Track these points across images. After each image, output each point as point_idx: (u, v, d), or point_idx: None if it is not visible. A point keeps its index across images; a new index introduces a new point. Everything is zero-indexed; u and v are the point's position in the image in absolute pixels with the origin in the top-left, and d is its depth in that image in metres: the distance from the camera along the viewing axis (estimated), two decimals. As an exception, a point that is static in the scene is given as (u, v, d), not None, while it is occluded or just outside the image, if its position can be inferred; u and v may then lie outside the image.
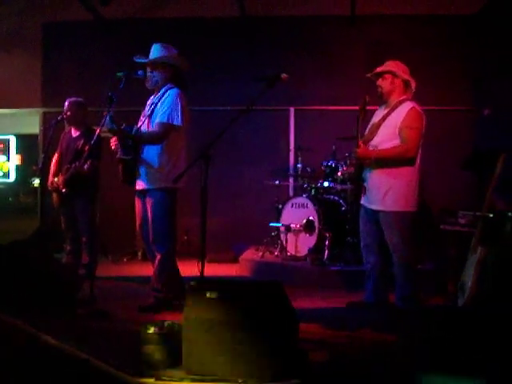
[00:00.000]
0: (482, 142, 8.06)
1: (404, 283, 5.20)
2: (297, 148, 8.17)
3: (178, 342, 3.49)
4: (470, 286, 4.64)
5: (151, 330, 3.63)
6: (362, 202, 5.42)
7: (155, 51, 5.33)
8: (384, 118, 5.22)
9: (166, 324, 3.70)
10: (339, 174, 7.14)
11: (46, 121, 8.72)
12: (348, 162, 6.99)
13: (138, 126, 5.33)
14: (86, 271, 6.42)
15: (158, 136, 5.17)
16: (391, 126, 5.13)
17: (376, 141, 5.20)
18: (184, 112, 5.18)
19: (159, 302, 5.25)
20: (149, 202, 5.23)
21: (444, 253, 6.22)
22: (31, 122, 9.55)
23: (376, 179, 5.20)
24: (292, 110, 8.93)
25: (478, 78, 8.36)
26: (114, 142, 5.20)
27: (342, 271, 6.70)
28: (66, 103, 6.71)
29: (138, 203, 5.42)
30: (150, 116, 5.28)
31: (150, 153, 5.20)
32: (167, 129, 5.15)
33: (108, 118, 4.99)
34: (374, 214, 5.28)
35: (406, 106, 5.14)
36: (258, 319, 3.34)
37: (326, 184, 7.36)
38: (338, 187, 7.22)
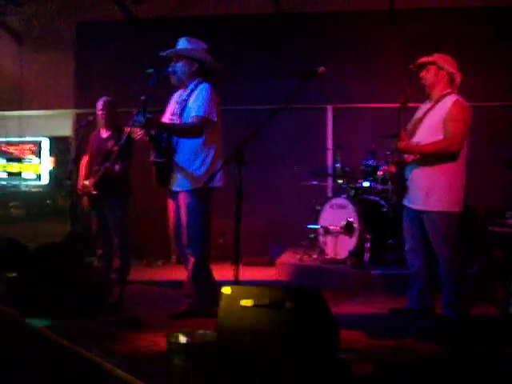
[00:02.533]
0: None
1: (451, 288, 4.87)
2: (335, 147, 7.90)
3: (210, 353, 3.26)
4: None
5: (181, 340, 3.40)
6: (404, 202, 5.12)
7: (180, 44, 5.12)
8: (427, 113, 4.93)
9: (197, 333, 3.47)
10: (380, 173, 6.87)
11: (78, 122, 8.57)
12: (389, 160, 6.69)
13: None
14: (118, 276, 6.27)
15: (195, 128, 4.89)
16: (435, 120, 4.83)
17: (419, 136, 4.89)
18: (218, 108, 4.96)
19: (193, 309, 5.04)
20: (183, 204, 5.01)
21: (491, 255, 5.90)
22: (65, 123, 9.43)
23: (418, 177, 4.90)
24: (330, 108, 8.65)
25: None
26: (139, 134, 4.88)
27: (384, 275, 6.42)
28: (100, 102, 6.54)
29: (170, 205, 5.22)
30: (181, 114, 5.03)
31: (184, 154, 4.97)
32: (204, 122, 4.89)
33: (137, 115, 4.72)
34: (417, 215, 4.98)
35: (451, 99, 4.84)
36: (296, 329, 3.08)
37: (365, 184, 7.09)
38: (379, 187, 6.93)
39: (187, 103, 5.00)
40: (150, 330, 4.60)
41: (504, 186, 7.62)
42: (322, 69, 4.24)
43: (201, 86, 4.98)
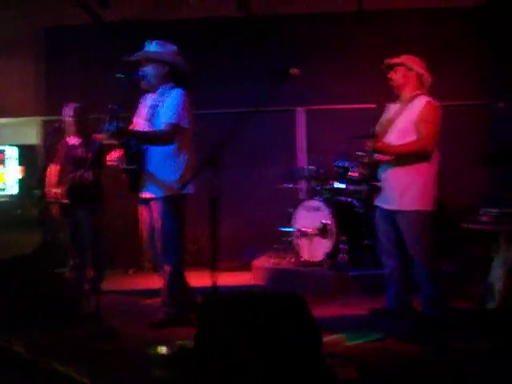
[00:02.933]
0: (497, 136, 7.75)
1: (428, 286, 4.87)
2: (308, 149, 7.86)
3: (190, 363, 3.17)
4: (499, 288, 4.33)
5: (160, 351, 3.31)
6: (376, 202, 5.11)
7: (148, 47, 5.03)
8: (398, 114, 4.92)
9: (176, 344, 3.39)
10: (353, 174, 6.82)
11: (46, 130, 8.41)
12: (360, 161, 6.68)
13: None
14: (91, 286, 6.15)
15: (166, 136, 4.82)
16: (406, 121, 4.84)
17: (391, 137, 4.89)
18: (190, 114, 4.88)
19: (170, 318, 4.95)
20: (156, 211, 4.92)
21: (466, 253, 5.91)
22: (32, 131, 9.23)
23: (392, 178, 4.89)
24: (301, 110, 8.60)
25: (492, 71, 8.04)
26: (111, 158, 4.88)
27: (361, 276, 6.39)
28: (70, 109, 6.41)
29: (143, 212, 5.12)
30: (151, 120, 4.93)
31: (155, 160, 4.89)
32: (175, 129, 4.80)
33: (107, 124, 4.63)
34: (390, 215, 4.97)
35: (422, 100, 4.86)
36: (279, 336, 3.01)
37: (339, 185, 7.05)
38: (352, 188, 6.90)
39: (158, 109, 4.91)
40: (127, 341, 4.50)
41: (475, 184, 7.63)
42: (295, 70, 4.21)
43: (173, 92, 4.90)
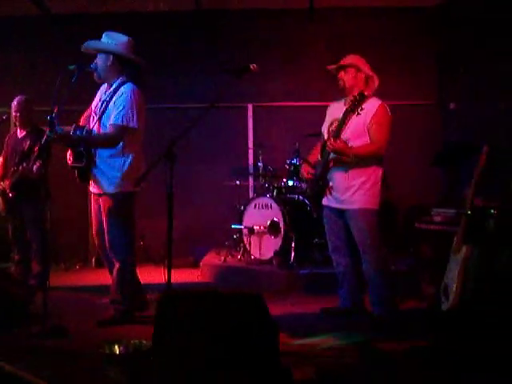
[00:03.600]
0: (447, 136, 7.89)
1: (379, 285, 4.89)
2: (257, 146, 7.84)
3: (145, 364, 3.10)
4: (454, 288, 4.38)
5: (115, 350, 3.23)
6: (325, 202, 5.11)
7: (102, 38, 4.92)
8: (348, 114, 4.88)
9: (132, 343, 3.31)
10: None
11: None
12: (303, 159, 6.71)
13: (91, 126, 4.89)
14: (38, 282, 6.00)
15: (111, 139, 4.76)
16: (359, 122, 4.83)
17: (343, 137, 4.86)
18: (140, 112, 4.78)
19: (120, 315, 4.86)
20: (104, 207, 4.85)
21: (419, 253, 5.97)
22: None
23: (346, 177, 4.89)
24: (250, 106, 8.56)
25: (443, 72, 8.16)
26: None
27: (311, 274, 6.38)
28: (15, 102, 6.29)
29: (93, 205, 5.05)
30: (100, 116, 4.84)
31: (102, 158, 4.81)
32: (122, 131, 4.73)
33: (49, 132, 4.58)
34: (341, 214, 4.99)
35: (374, 102, 4.87)
36: (238, 335, 2.97)
37: (290, 183, 7.04)
38: (303, 186, 6.89)
39: (108, 105, 4.81)
40: (78, 339, 4.40)
41: (427, 183, 7.74)
42: (254, 66, 4.20)
43: (123, 88, 4.80)
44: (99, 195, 4.89)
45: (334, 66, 5.03)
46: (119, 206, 4.82)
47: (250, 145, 8.50)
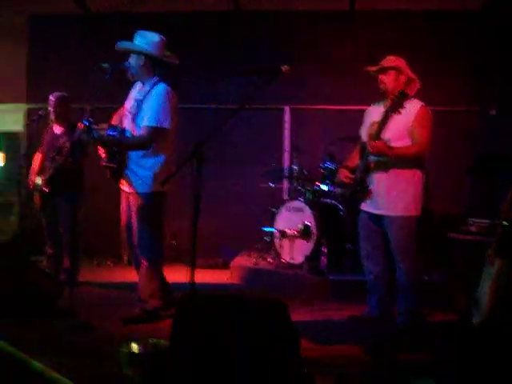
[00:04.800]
0: (488, 143, 7.69)
1: (409, 295, 4.83)
2: (293, 149, 7.79)
3: (163, 363, 3.09)
4: (486, 302, 4.28)
5: (133, 349, 3.22)
6: (363, 207, 5.02)
7: (135, 37, 4.93)
8: (388, 117, 4.80)
9: (150, 342, 3.30)
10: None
11: (30, 117, 8.26)
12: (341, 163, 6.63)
13: (124, 125, 4.93)
14: (67, 277, 6.04)
15: (145, 142, 4.78)
16: (400, 125, 4.71)
17: (384, 138, 4.74)
18: (172, 112, 4.79)
19: (145, 313, 4.88)
20: (134, 206, 4.87)
21: (452, 263, 5.85)
22: (16, 118, 9.08)
23: (387, 181, 4.80)
24: (287, 108, 8.50)
25: (484, 78, 7.99)
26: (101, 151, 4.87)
27: (341, 281, 6.31)
28: (52, 98, 6.37)
29: (123, 203, 5.08)
30: (134, 115, 4.86)
31: (135, 158, 4.84)
32: (155, 133, 4.75)
33: (84, 132, 4.68)
34: (378, 220, 4.90)
35: (415, 104, 4.77)
36: (257, 341, 2.92)
37: (323, 187, 6.97)
38: (338, 191, 6.81)
39: (142, 105, 4.82)
40: (101, 336, 4.42)
41: (463, 192, 7.60)
42: (285, 67, 4.15)
43: (156, 89, 4.81)
44: (130, 193, 4.91)
45: (374, 68, 4.94)
46: (149, 205, 4.84)
47: (286, 147, 8.44)
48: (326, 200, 6.98)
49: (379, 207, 4.86)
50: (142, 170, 4.80)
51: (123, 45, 4.92)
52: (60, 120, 6.39)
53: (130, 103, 5.00)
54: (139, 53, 4.82)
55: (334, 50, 8.30)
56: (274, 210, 7.15)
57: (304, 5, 8.27)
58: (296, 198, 7.04)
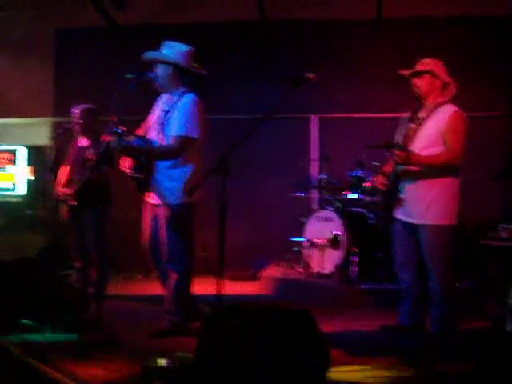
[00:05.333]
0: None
1: (443, 304, 4.69)
2: (321, 158, 7.69)
3: (189, 377, 3.02)
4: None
5: (160, 363, 3.16)
6: (397, 215, 4.90)
7: (162, 48, 4.88)
8: (422, 122, 4.69)
9: (176, 356, 3.23)
10: (367, 184, 6.67)
11: (56, 131, 8.27)
12: (378, 171, 6.52)
13: (152, 136, 4.86)
14: (95, 290, 6.01)
15: (175, 151, 4.72)
16: (432, 130, 4.60)
17: (415, 147, 4.63)
18: (202, 122, 4.73)
19: (174, 327, 4.80)
20: (163, 218, 4.78)
21: (485, 270, 5.71)
22: (43, 132, 9.11)
23: (418, 190, 4.68)
24: (314, 117, 8.42)
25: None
26: (124, 164, 4.80)
27: (373, 290, 6.22)
28: (76, 111, 6.33)
29: (146, 217, 5.00)
30: (162, 127, 4.79)
31: (163, 168, 4.77)
32: (185, 143, 4.68)
33: (114, 141, 4.63)
34: (412, 229, 4.77)
35: (449, 110, 4.63)
36: (285, 354, 2.84)
37: (352, 196, 6.87)
38: (367, 199, 6.72)
39: (170, 116, 4.76)
40: (128, 350, 4.34)
41: (493, 198, 7.44)
42: (312, 75, 4.08)
43: (184, 99, 4.75)
44: (157, 206, 4.84)
45: (408, 72, 4.80)
46: (179, 216, 4.76)
47: (314, 156, 8.34)
48: (355, 209, 6.91)
49: (412, 215, 4.74)
50: (170, 180, 4.73)
51: (150, 54, 4.88)
52: (86, 132, 6.36)
53: (156, 115, 4.94)
54: (167, 62, 4.77)
55: (361, 58, 8.21)
56: (302, 219, 7.06)
57: (330, 14, 8.24)
58: (325, 208, 6.95)
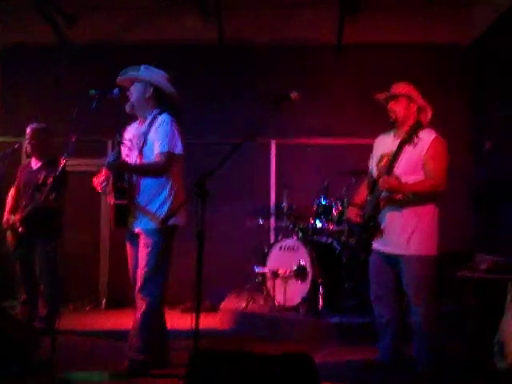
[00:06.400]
0: (482, 176, 7.42)
1: (425, 337, 4.42)
2: (281, 185, 7.40)
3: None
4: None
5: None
6: (374, 246, 4.63)
7: (138, 69, 4.65)
8: (400, 148, 4.44)
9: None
10: (334, 212, 6.42)
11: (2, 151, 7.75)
12: (345, 200, 6.28)
13: (131, 161, 4.58)
14: (45, 325, 5.56)
15: (161, 167, 4.46)
16: (413, 156, 4.37)
17: (396, 172, 4.40)
18: (182, 139, 4.51)
19: (136, 366, 4.38)
20: (144, 243, 4.47)
21: (461, 302, 5.49)
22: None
23: (400, 218, 4.42)
24: (273, 142, 8.13)
25: (477, 110, 7.75)
26: (99, 181, 4.53)
27: (342, 323, 5.88)
28: (29, 130, 5.99)
29: (130, 249, 4.68)
30: (141, 150, 4.53)
31: (145, 192, 4.49)
32: (170, 158, 4.44)
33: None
34: (392, 260, 4.51)
35: (429, 135, 4.42)
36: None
37: (318, 224, 6.59)
38: (334, 228, 6.46)
39: (147, 137, 4.52)
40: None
41: (463, 226, 7.27)
42: (295, 94, 3.86)
43: (162, 118, 4.53)
44: (139, 233, 4.52)
45: (383, 96, 4.59)
46: (160, 241, 4.48)
47: (273, 183, 8.06)
48: (320, 238, 6.62)
49: (392, 245, 4.47)
50: (154, 205, 4.48)
51: (133, 73, 4.64)
52: (37, 153, 5.99)
53: (128, 143, 4.65)
54: (150, 83, 4.59)
55: (322, 83, 7.98)
56: (265, 248, 6.72)
57: (290, 38, 8.02)
58: (289, 236, 6.64)
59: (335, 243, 6.44)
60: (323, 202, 6.63)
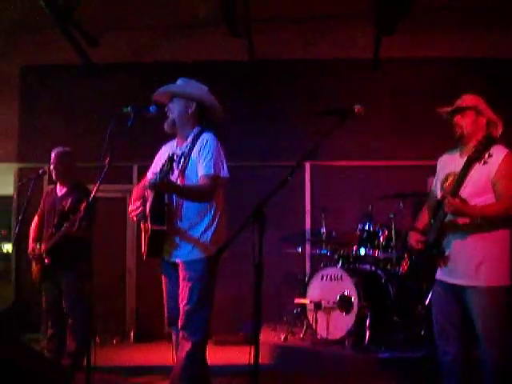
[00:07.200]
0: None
1: (497, 378, 3.96)
2: (319, 209, 7.00)
3: None
4: None
5: None
6: (438, 276, 4.19)
7: (179, 83, 4.29)
8: (468, 167, 4.02)
9: None
10: (381, 238, 6.03)
11: (22, 178, 7.39)
12: (393, 225, 5.90)
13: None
14: (72, 362, 5.18)
15: (206, 191, 4.03)
16: (482, 176, 3.94)
17: (463, 193, 3.98)
18: (225, 161, 4.12)
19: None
20: (187, 276, 4.04)
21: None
22: (6, 180, 8.27)
23: (468, 245, 3.97)
24: (307, 165, 7.73)
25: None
26: (135, 207, 4.09)
27: (392, 358, 5.46)
28: (53, 154, 5.66)
29: (166, 281, 4.24)
30: (183, 172, 4.10)
31: (187, 218, 4.06)
32: (216, 182, 4.04)
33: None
34: (457, 291, 4.06)
35: (501, 151, 3.99)
36: None
37: (362, 251, 6.20)
38: (381, 255, 6.06)
39: (189, 158, 4.09)
40: None
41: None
42: (358, 107, 3.49)
43: (205, 137, 4.11)
44: (178, 264, 4.09)
45: (448, 109, 4.16)
46: (204, 273, 4.04)
47: (308, 208, 7.67)
48: (364, 266, 6.24)
49: (459, 276, 4.02)
50: (196, 232, 4.05)
51: (175, 88, 4.27)
52: (61, 179, 5.68)
53: (162, 162, 4.13)
54: (193, 99, 4.20)
55: (360, 101, 7.61)
56: (305, 278, 6.37)
57: (324, 54, 7.74)
58: (332, 265, 6.28)
59: (379, 271, 6.06)
60: (368, 228, 6.25)
